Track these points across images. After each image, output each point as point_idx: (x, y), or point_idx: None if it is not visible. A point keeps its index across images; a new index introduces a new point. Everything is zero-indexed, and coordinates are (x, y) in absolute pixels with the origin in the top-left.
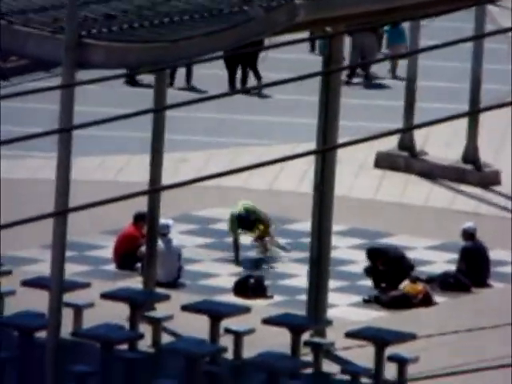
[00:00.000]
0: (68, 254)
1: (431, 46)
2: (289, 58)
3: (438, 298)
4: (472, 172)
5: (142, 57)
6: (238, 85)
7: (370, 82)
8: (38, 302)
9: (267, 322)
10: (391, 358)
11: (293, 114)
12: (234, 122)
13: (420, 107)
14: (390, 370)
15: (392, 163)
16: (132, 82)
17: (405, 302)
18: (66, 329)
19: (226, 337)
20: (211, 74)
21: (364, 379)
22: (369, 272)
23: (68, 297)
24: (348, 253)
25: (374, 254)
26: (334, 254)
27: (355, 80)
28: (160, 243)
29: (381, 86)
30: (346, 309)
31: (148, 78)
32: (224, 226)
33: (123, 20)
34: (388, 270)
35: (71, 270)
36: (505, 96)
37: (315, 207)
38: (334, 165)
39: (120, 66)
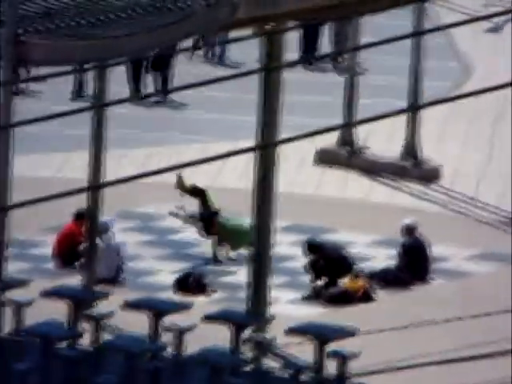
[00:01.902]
0: (7, 251)
1: (373, 43)
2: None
3: (379, 294)
4: (412, 168)
5: (85, 54)
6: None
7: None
8: None
9: (208, 318)
10: (332, 354)
11: (232, 111)
12: (174, 119)
13: (360, 102)
14: (331, 366)
15: (333, 159)
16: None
17: (345, 298)
18: (6, 327)
19: (167, 334)
20: None
21: (305, 375)
22: (310, 266)
23: (8, 294)
24: (289, 249)
25: (313, 248)
26: (275, 250)
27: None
28: (100, 240)
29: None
30: (287, 305)
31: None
32: (165, 222)
33: (61, 18)
34: (327, 265)
35: (11, 267)
36: (444, 92)
37: (256, 204)
38: (275, 160)
39: (62, 63)
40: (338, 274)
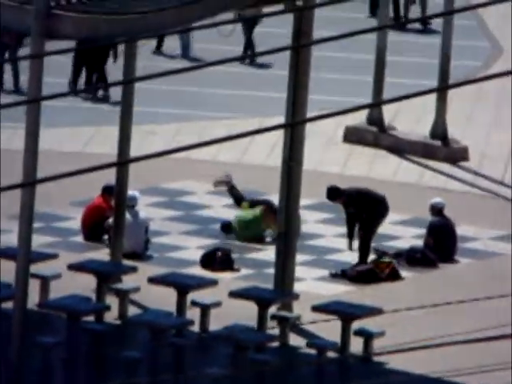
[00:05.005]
0: (35, 224)
1: (403, 21)
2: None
3: (405, 273)
4: (440, 148)
5: (112, 28)
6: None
7: (426, 27)
8: (5, 272)
9: (234, 295)
10: (358, 333)
11: (261, 87)
12: (203, 96)
13: (389, 82)
14: (357, 344)
15: (360, 138)
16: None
17: (372, 277)
18: (33, 300)
19: (193, 310)
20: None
21: (330, 353)
22: (347, 221)
23: (35, 268)
24: (316, 227)
25: (334, 192)
26: (301, 228)
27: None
28: (127, 215)
29: (434, 32)
30: (313, 283)
31: None
32: (192, 198)
33: None
34: (358, 211)
35: (38, 240)
36: (474, 72)
37: (283, 181)
38: (303, 139)
39: (90, 38)
40: (372, 220)
